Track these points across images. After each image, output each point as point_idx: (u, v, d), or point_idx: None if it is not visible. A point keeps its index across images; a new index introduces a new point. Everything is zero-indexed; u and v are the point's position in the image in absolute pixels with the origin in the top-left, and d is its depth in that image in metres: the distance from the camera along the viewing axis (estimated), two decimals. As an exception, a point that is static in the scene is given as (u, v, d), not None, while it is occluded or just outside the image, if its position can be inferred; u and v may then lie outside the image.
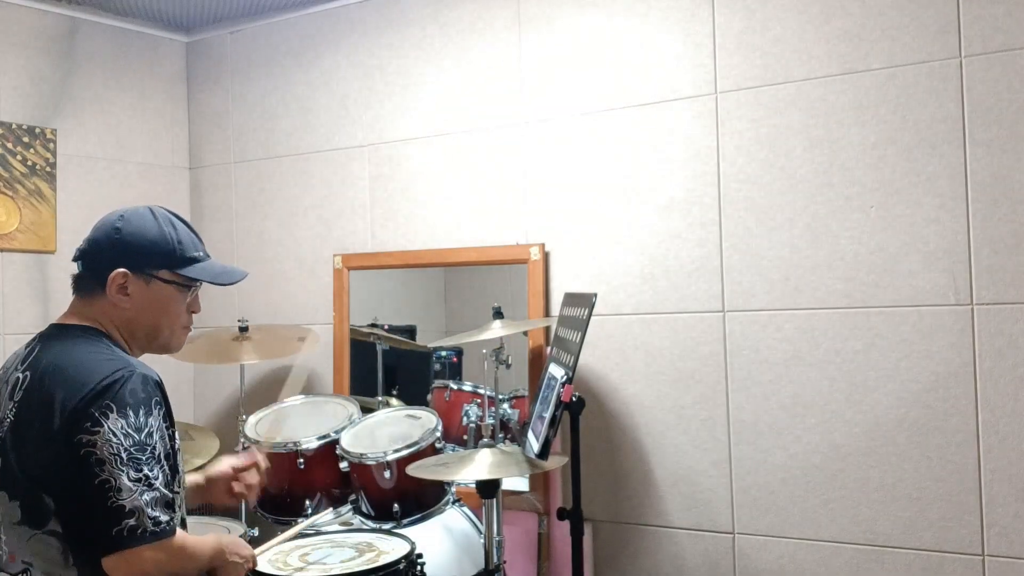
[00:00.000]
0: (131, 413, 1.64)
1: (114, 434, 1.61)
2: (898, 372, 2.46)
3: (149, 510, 1.61)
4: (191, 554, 1.72)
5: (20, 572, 1.69)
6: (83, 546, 1.65)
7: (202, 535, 1.82)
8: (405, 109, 3.30)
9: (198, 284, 1.89)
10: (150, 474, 1.63)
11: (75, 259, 1.85)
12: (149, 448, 1.65)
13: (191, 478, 2.03)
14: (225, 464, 2.09)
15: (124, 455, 1.61)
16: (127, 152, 3.66)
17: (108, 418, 1.62)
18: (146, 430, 1.65)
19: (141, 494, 1.61)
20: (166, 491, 1.66)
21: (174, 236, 1.83)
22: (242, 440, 2.92)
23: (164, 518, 1.64)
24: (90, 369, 1.67)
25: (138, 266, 1.79)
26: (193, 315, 1.92)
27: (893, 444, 2.47)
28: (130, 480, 1.61)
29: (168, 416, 1.72)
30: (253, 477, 2.09)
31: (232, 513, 3.24)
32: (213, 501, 2.10)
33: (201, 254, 1.88)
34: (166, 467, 1.68)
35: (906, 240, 2.45)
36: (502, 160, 3.09)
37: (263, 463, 2.12)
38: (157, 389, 1.71)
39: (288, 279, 3.57)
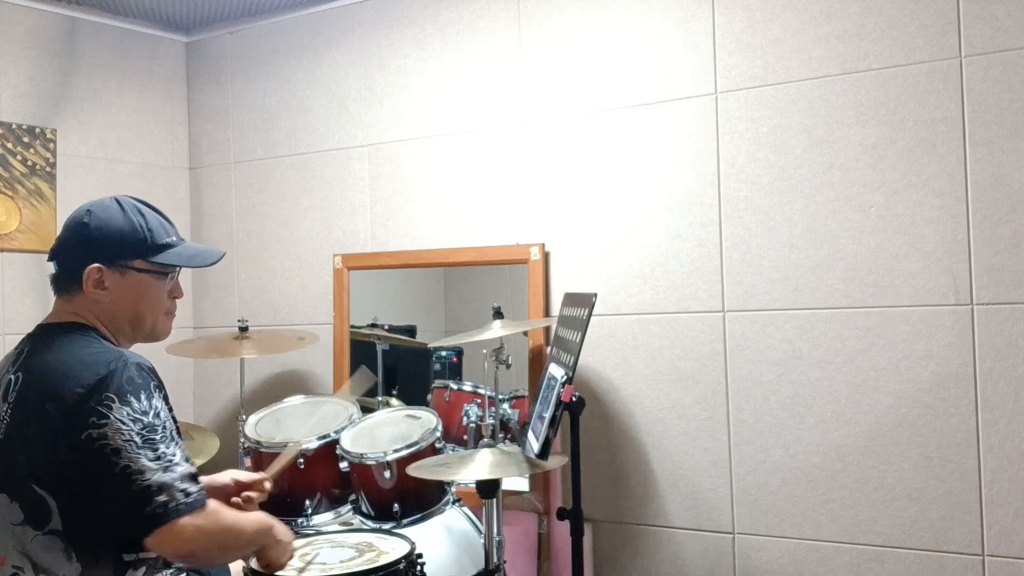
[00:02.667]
0: (133, 399, 1.64)
1: (122, 422, 1.62)
2: (898, 372, 2.46)
3: (177, 484, 1.63)
4: (232, 523, 1.74)
5: None
6: (85, 542, 1.65)
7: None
8: (405, 109, 3.30)
9: (176, 270, 1.88)
10: (167, 451, 1.65)
11: (49, 259, 1.84)
12: (159, 427, 1.66)
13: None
14: (228, 476, 2.10)
15: (138, 439, 1.62)
16: (127, 152, 3.66)
17: (112, 408, 1.62)
18: (152, 411, 1.66)
19: (165, 471, 1.63)
20: (187, 465, 1.68)
21: (143, 224, 1.82)
22: (242, 440, 2.92)
23: (193, 488, 1.65)
24: (83, 364, 1.67)
25: (111, 259, 1.79)
26: (176, 300, 1.91)
27: (893, 444, 2.47)
28: (150, 461, 1.62)
29: (167, 398, 1.73)
30: (255, 493, 2.10)
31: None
32: None
33: (174, 239, 1.87)
34: (181, 443, 1.70)
35: (906, 240, 2.45)
36: (502, 160, 3.09)
37: (268, 486, 2.14)
38: (152, 374, 1.72)
39: (288, 279, 3.57)
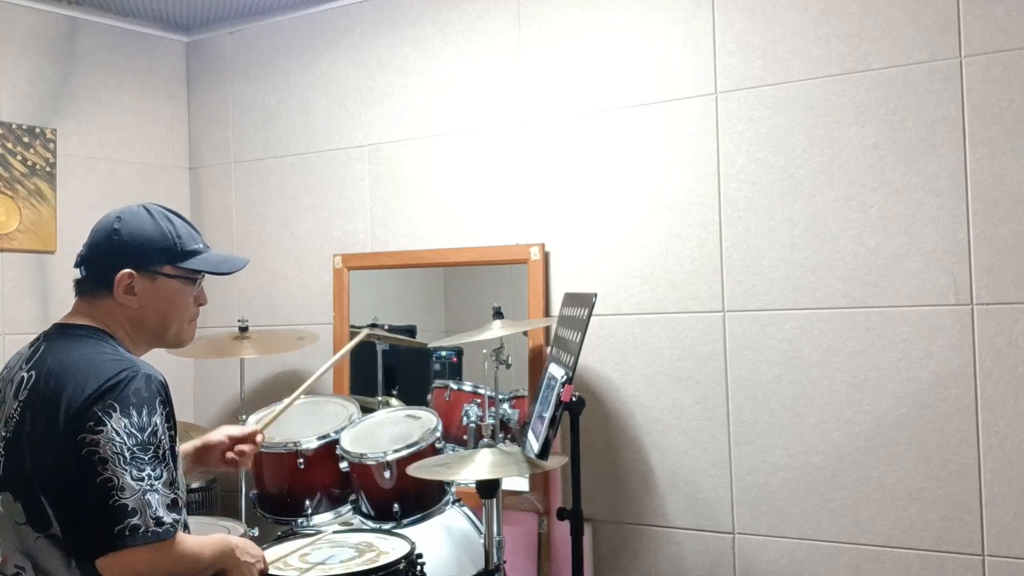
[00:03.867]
0: (134, 412, 1.63)
1: (117, 433, 1.60)
2: (898, 372, 2.46)
3: (151, 510, 1.60)
4: (190, 555, 1.69)
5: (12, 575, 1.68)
6: (83, 550, 1.64)
7: (204, 535, 1.81)
8: (405, 109, 3.30)
9: (202, 276, 1.89)
10: (152, 473, 1.62)
11: (77, 264, 1.84)
12: (152, 448, 1.64)
13: (187, 445, 2.06)
14: (222, 433, 2.11)
15: (127, 454, 1.60)
16: (127, 152, 3.66)
17: (111, 417, 1.61)
18: (150, 429, 1.64)
19: (144, 493, 1.60)
20: (168, 491, 1.64)
21: (172, 231, 1.83)
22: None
23: (167, 519, 1.62)
24: (95, 369, 1.67)
25: (142, 264, 1.79)
26: (200, 308, 1.92)
27: (893, 444, 2.47)
28: (133, 479, 1.60)
29: (171, 417, 1.71)
30: (248, 446, 2.11)
31: (232, 512, 3.24)
32: (207, 466, 2.12)
33: (201, 246, 1.88)
34: (171, 466, 1.68)
35: (906, 240, 2.45)
36: (502, 160, 3.09)
37: (260, 438, 2.14)
38: (162, 389, 1.70)
39: (288, 279, 3.57)
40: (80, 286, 1.84)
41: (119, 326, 1.81)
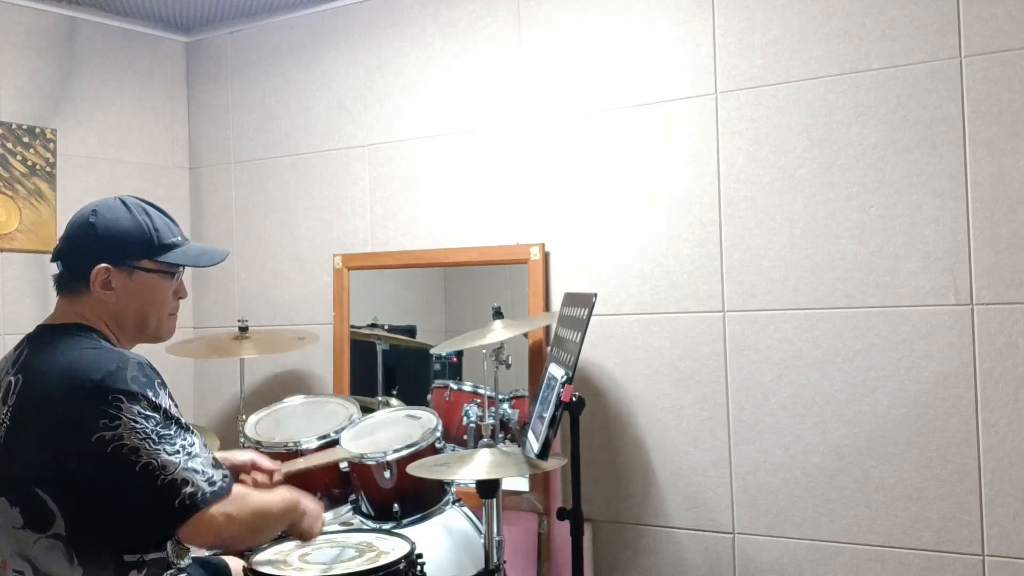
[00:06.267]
0: (142, 397, 1.64)
1: (135, 421, 1.62)
2: (898, 372, 2.46)
3: (200, 475, 1.65)
4: (259, 505, 1.76)
5: None
6: (88, 544, 1.65)
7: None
8: (405, 109, 3.30)
9: (181, 269, 1.89)
10: (185, 443, 1.66)
11: (53, 259, 1.83)
12: (172, 421, 1.67)
13: (217, 453, 2.14)
14: (248, 456, 2.19)
15: (154, 436, 1.63)
16: (127, 152, 3.66)
17: (122, 409, 1.62)
18: (163, 407, 1.67)
19: (186, 463, 1.64)
20: (206, 452, 1.70)
21: (150, 224, 1.82)
22: (242, 440, 2.92)
23: (217, 476, 1.68)
24: (86, 365, 1.66)
25: (119, 259, 1.78)
26: (180, 301, 1.92)
27: (893, 444, 2.47)
28: (169, 455, 1.63)
29: (170, 393, 1.74)
30: (262, 476, 2.17)
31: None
32: None
33: (179, 239, 1.87)
34: (193, 431, 1.72)
35: (906, 240, 2.45)
36: (502, 160, 3.09)
37: (278, 477, 2.20)
38: (153, 370, 1.72)
39: (288, 279, 3.57)
40: (59, 282, 1.83)
41: (101, 322, 1.80)
